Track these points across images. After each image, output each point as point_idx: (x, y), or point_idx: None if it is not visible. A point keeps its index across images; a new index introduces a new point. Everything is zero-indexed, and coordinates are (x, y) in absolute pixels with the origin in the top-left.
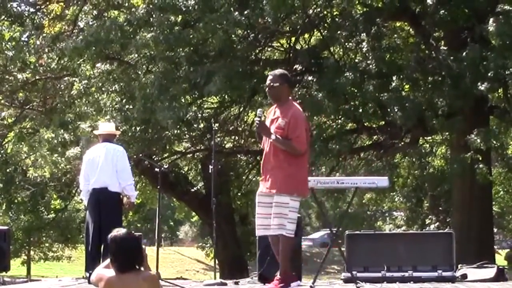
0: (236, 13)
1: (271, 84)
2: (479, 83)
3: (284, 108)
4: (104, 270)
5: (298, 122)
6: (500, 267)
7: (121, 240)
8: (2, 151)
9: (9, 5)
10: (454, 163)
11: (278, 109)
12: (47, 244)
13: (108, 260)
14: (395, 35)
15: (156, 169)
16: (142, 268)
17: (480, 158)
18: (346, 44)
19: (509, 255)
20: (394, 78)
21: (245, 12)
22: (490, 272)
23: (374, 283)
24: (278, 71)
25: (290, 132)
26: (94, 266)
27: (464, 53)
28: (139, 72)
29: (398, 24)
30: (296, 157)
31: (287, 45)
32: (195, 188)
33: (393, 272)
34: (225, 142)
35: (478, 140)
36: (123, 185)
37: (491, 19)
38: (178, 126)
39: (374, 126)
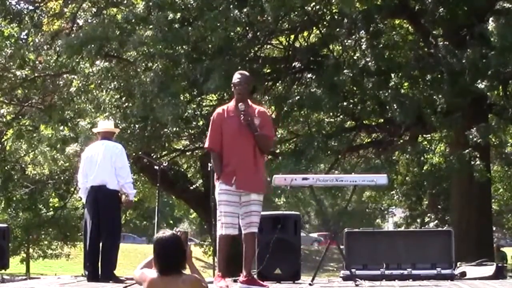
0: (236, 10)
1: (245, 82)
2: (478, 81)
3: (248, 107)
4: (147, 271)
5: (271, 121)
6: (499, 264)
7: (165, 242)
8: (0, 149)
9: (8, 3)
10: (452, 159)
11: (241, 108)
12: (46, 242)
13: (149, 258)
14: (394, 33)
15: (155, 167)
16: (185, 269)
17: (478, 155)
18: (345, 41)
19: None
20: (393, 75)
21: (244, 10)
22: (489, 270)
23: (373, 281)
24: (246, 72)
25: (267, 130)
26: (93, 263)
27: (465, 54)
28: (138, 70)
29: (397, 21)
30: (264, 155)
31: (286, 43)
32: (194, 186)
33: (392, 270)
34: None
35: (478, 135)
36: (122, 183)
37: (491, 18)
38: (177, 124)
39: (373, 123)
